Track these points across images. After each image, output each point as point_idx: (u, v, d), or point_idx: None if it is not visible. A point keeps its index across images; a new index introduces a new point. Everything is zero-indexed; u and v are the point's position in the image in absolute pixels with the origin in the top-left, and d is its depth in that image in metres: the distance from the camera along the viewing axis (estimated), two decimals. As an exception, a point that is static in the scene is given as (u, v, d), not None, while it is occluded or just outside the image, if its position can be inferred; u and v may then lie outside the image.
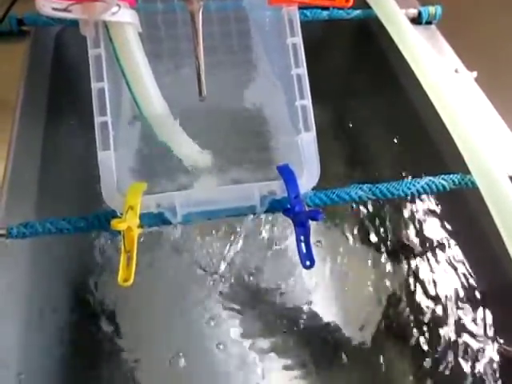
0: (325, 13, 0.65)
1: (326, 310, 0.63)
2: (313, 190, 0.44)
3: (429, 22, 0.73)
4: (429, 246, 0.65)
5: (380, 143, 0.75)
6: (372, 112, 0.77)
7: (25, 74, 0.62)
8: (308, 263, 0.42)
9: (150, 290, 0.62)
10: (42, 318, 0.50)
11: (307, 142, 0.44)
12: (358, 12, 0.67)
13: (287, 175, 0.43)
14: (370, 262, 0.68)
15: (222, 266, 0.64)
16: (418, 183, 0.48)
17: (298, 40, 0.46)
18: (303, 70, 0.46)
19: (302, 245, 0.42)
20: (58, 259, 0.56)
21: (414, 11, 0.72)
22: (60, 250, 0.55)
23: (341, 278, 0.66)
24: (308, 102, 0.45)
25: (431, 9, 0.71)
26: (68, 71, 0.74)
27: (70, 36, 0.75)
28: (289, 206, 0.43)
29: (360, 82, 0.80)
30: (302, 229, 0.42)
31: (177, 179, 0.47)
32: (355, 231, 0.71)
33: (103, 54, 0.43)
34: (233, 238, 0.64)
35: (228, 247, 0.65)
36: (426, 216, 0.67)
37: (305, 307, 0.63)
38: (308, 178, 0.44)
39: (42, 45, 0.69)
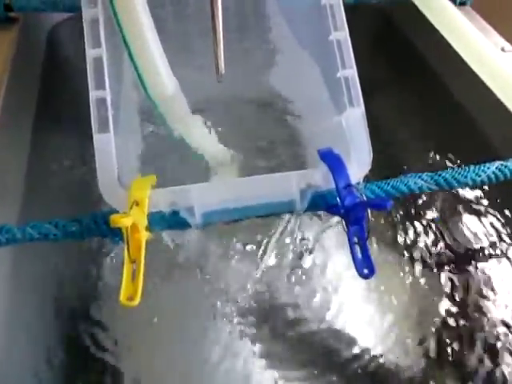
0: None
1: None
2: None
3: (463, 3, 0.67)
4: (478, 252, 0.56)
5: (415, 131, 0.66)
6: (401, 100, 0.69)
7: (9, 66, 0.54)
8: (366, 271, 0.32)
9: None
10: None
11: (355, 119, 0.35)
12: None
13: (332, 161, 0.34)
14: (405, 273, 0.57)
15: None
16: (489, 168, 0.39)
17: (337, -2, 0.38)
18: (345, 34, 0.37)
19: (357, 248, 0.33)
20: (46, 276, 0.47)
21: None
22: (49, 264, 0.45)
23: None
24: (353, 71, 0.37)
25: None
26: (62, 66, 0.66)
27: (66, 30, 0.68)
28: (337, 200, 0.34)
29: (386, 70, 0.72)
30: (356, 228, 0.33)
31: (191, 173, 0.37)
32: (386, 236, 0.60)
33: (101, 18, 0.35)
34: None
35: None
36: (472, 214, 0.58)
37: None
38: (358, 165, 0.34)
39: (33, 34, 0.61)
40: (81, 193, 0.47)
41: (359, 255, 0.33)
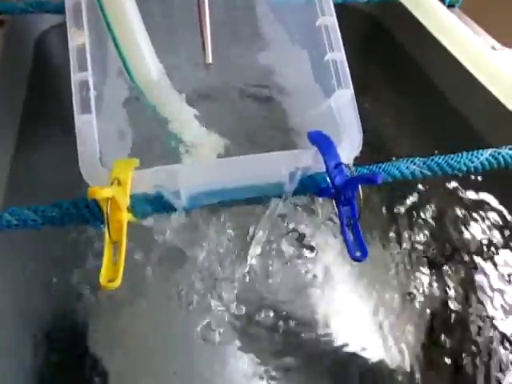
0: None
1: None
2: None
3: (451, 5, 0.68)
4: (480, 248, 0.54)
5: (404, 128, 0.66)
6: (389, 98, 0.69)
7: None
8: (358, 254, 0.31)
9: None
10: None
11: (344, 100, 0.35)
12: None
13: (322, 141, 0.33)
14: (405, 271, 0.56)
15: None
16: (482, 155, 0.38)
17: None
18: (333, 20, 0.37)
19: (349, 231, 0.32)
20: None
21: (435, -8, 0.66)
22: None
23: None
24: (341, 54, 0.36)
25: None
26: (49, 69, 0.65)
27: (54, 37, 0.67)
28: (327, 182, 0.33)
29: (374, 68, 0.72)
30: (347, 208, 0.32)
31: (177, 159, 0.36)
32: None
33: (84, 3, 0.34)
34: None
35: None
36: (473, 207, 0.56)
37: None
38: (349, 146, 0.34)
39: (20, 37, 0.61)
40: (66, 189, 0.45)
41: (351, 238, 0.32)
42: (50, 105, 0.61)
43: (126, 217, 0.29)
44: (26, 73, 0.62)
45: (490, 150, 0.39)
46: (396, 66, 0.69)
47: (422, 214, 0.57)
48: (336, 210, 0.33)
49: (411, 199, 0.58)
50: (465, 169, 0.38)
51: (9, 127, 0.54)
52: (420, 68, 0.64)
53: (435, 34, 0.60)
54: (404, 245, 0.55)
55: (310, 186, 0.34)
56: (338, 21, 0.39)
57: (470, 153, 0.39)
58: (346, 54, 0.38)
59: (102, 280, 0.27)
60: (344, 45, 0.37)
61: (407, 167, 0.37)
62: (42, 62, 0.65)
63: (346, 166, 0.31)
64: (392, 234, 0.56)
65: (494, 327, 0.48)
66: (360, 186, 0.31)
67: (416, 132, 0.62)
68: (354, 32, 0.69)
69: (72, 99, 0.32)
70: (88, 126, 0.31)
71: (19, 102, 0.58)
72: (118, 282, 0.27)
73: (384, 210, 0.57)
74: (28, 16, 0.62)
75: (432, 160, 0.37)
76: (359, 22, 0.71)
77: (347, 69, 0.36)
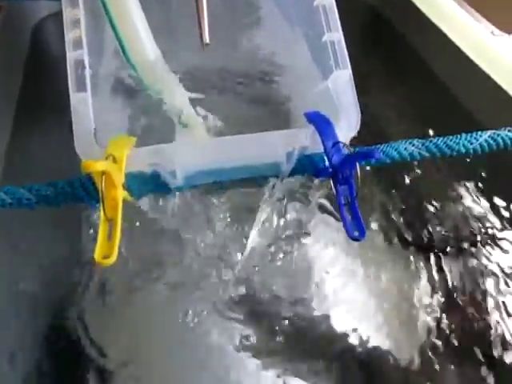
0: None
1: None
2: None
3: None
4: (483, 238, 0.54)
5: (404, 115, 0.65)
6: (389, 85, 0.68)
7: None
8: (356, 233, 0.31)
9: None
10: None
11: (342, 81, 0.34)
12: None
13: (319, 121, 0.33)
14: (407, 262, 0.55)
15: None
16: (481, 136, 0.38)
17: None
18: (331, 0, 0.37)
19: (347, 210, 0.32)
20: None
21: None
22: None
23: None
24: (339, 34, 0.36)
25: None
26: (46, 57, 0.65)
27: (52, 25, 0.67)
28: (325, 163, 0.33)
29: (374, 56, 0.71)
30: (344, 187, 0.31)
31: (172, 139, 0.36)
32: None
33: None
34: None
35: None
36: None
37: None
38: (346, 126, 0.33)
39: (17, 24, 0.61)
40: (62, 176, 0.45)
41: (349, 217, 0.32)
42: (46, 92, 0.60)
43: (121, 194, 0.28)
44: (22, 60, 0.62)
45: (488, 132, 0.39)
46: (396, 55, 0.69)
47: (420, 200, 0.57)
48: (334, 190, 0.32)
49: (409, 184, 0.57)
50: (464, 150, 0.38)
51: (4, 114, 0.53)
52: (420, 56, 0.64)
53: (435, 20, 0.60)
54: (402, 230, 0.55)
55: (307, 166, 0.33)
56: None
57: (469, 134, 0.38)
58: (346, 42, 0.37)
59: (97, 256, 0.27)
60: (344, 32, 0.37)
61: (405, 148, 0.36)
62: (38, 49, 0.64)
63: (344, 144, 0.31)
64: (390, 220, 0.56)
65: (496, 312, 0.48)
66: (358, 165, 0.30)
67: (416, 121, 0.62)
68: (353, 20, 0.69)
69: (68, 86, 0.32)
70: (83, 104, 0.31)
71: (15, 89, 0.58)
72: (113, 259, 0.27)
73: (381, 194, 0.57)
74: (25, 3, 0.62)
75: (431, 141, 0.37)
76: (358, 10, 0.70)
77: (345, 49, 0.35)
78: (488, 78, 0.54)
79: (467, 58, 0.55)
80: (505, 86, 0.52)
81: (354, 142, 0.36)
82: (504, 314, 0.47)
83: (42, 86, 0.62)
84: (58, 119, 0.51)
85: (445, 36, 0.58)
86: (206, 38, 0.36)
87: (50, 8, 0.66)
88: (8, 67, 0.57)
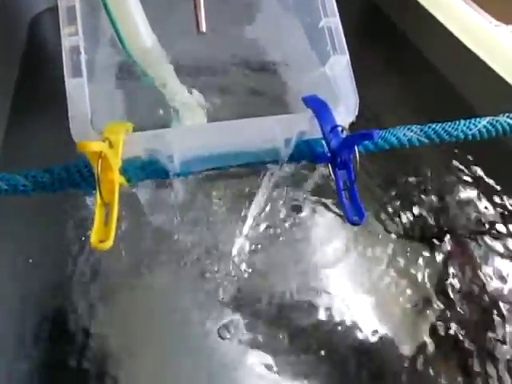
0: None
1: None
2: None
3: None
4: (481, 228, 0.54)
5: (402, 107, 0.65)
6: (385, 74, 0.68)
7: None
8: (355, 218, 0.31)
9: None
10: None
11: (340, 66, 0.34)
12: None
13: (317, 105, 0.32)
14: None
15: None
16: (480, 122, 0.38)
17: None
18: (327, -15, 0.36)
19: (345, 195, 0.31)
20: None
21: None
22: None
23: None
24: (336, 19, 0.35)
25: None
26: (42, 52, 0.65)
27: (49, 20, 0.67)
28: (323, 148, 0.33)
29: (370, 46, 0.71)
30: (343, 172, 0.31)
31: (169, 125, 0.36)
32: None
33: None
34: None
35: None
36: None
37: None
38: (344, 110, 0.33)
39: (14, 19, 0.60)
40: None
41: (348, 202, 0.31)
42: (43, 86, 0.60)
43: (117, 178, 0.28)
44: (18, 55, 0.61)
45: (487, 118, 0.39)
46: (394, 46, 0.69)
47: (419, 188, 0.56)
48: (332, 175, 0.32)
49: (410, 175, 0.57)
50: (462, 136, 0.38)
51: (0, 108, 0.53)
52: (418, 46, 0.64)
53: (432, 11, 0.59)
54: (402, 218, 0.55)
55: (305, 151, 0.33)
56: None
57: (468, 121, 0.38)
58: (345, 33, 0.37)
59: (93, 240, 0.26)
60: (341, 23, 0.36)
61: (404, 134, 0.36)
62: (35, 44, 0.64)
63: (342, 128, 0.31)
64: (390, 207, 0.55)
65: (497, 307, 0.47)
66: (356, 148, 0.30)
67: (414, 112, 0.62)
68: (351, 11, 0.69)
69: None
70: (79, 90, 0.31)
71: (11, 83, 0.58)
72: (109, 243, 0.26)
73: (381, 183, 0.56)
74: None
75: (429, 127, 0.37)
76: (356, 1, 0.70)
77: (342, 34, 0.35)
78: (487, 67, 0.53)
79: (465, 47, 0.55)
80: (503, 75, 0.52)
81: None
82: (504, 311, 0.47)
83: (38, 80, 0.61)
84: (54, 113, 0.51)
85: (443, 26, 0.58)
86: (203, 26, 0.36)
87: (47, 2, 0.66)
88: (4, 61, 0.57)
